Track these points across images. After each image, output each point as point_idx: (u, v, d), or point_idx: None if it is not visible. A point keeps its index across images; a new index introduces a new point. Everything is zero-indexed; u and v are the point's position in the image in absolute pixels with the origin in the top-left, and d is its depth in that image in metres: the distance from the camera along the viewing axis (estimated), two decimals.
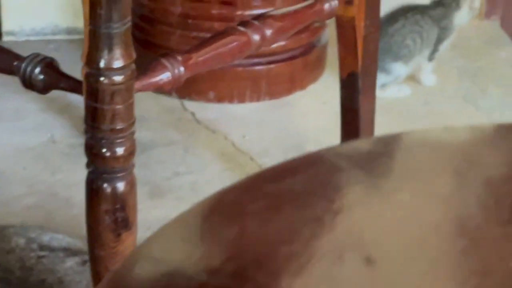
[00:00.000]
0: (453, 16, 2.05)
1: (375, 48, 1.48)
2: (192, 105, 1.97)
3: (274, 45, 1.90)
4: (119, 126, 1.08)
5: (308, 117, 1.97)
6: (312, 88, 2.06)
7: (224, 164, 1.80)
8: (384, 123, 1.94)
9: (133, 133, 1.11)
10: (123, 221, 1.12)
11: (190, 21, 1.93)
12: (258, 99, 2.00)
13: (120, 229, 1.12)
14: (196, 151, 1.84)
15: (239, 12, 1.94)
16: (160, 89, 1.15)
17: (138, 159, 1.78)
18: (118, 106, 1.07)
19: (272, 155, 1.83)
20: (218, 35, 1.23)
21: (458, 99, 2.06)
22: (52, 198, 1.69)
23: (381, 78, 1.97)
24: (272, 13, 1.31)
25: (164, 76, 1.15)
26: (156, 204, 1.68)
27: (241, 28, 1.25)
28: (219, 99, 1.98)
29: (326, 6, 1.37)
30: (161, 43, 1.97)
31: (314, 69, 2.05)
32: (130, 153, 1.11)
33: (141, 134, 1.86)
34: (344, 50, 1.46)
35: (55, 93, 1.29)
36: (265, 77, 1.98)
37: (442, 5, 2.05)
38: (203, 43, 1.21)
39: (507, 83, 2.13)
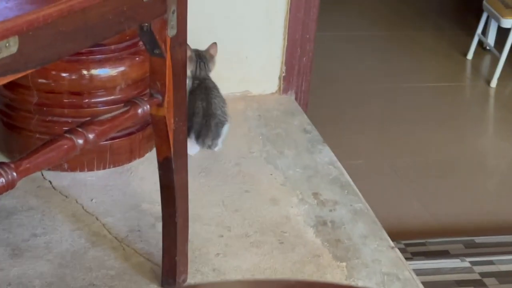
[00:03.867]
0: None
1: (184, 138, 1.46)
2: (50, 175, 1.90)
3: None
4: None
5: (145, 181, 1.93)
6: (149, 155, 2.03)
7: (74, 225, 1.73)
8: (205, 183, 1.94)
9: None
10: None
11: (45, 108, 1.87)
12: (104, 167, 1.95)
13: None
14: (52, 214, 1.76)
15: (86, 100, 1.89)
16: None
17: (1, 224, 1.72)
18: None
19: (114, 215, 1.78)
20: (48, 142, 1.19)
21: (262, 160, 2.07)
22: None
23: None
24: (94, 120, 1.27)
25: None
26: (15, 263, 1.60)
27: (68, 135, 1.21)
28: (72, 168, 1.92)
29: (140, 110, 1.34)
30: (23, 126, 1.90)
31: (149, 141, 2.02)
32: None
33: (6, 201, 1.80)
34: (159, 140, 1.44)
35: None
36: (109, 149, 1.93)
37: None
38: (34, 151, 1.16)
39: (298, 145, 2.15)
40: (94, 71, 1.86)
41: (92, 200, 1.83)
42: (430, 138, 2.84)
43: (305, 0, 2.29)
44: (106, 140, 1.92)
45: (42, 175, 1.90)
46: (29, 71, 1.07)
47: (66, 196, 1.83)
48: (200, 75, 2.05)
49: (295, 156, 2.09)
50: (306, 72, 2.39)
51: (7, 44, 1.01)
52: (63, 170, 1.91)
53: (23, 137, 1.90)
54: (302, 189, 1.94)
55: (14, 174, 1.11)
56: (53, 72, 1.83)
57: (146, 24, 1.30)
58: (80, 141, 1.22)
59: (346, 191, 1.95)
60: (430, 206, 2.42)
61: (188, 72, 2.03)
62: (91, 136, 1.24)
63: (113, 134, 1.82)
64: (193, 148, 2.04)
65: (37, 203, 1.80)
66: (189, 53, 2.02)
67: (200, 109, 2.03)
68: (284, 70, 2.37)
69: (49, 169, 1.90)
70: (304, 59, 2.37)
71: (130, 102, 1.34)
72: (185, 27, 1.38)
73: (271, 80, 2.39)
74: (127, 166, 1.97)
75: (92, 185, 1.88)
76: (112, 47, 1.86)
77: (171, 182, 1.47)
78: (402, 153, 2.72)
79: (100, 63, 1.86)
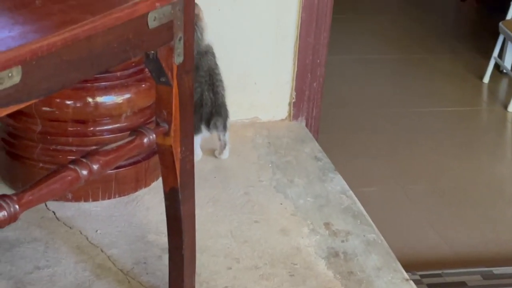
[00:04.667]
0: None
1: (191, 167, 1.46)
2: (53, 205, 1.91)
3: None
4: None
5: (151, 211, 1.93)
6: (155, 185, 2.03)
7: (78, 257, 1.73)
8: (213, 213, 1.94)
9: None
10: None
11: (49, 137, 1.88)
12: (109, 197, 1.95)
13: None
14: (55, 246, 1.77)
15: (91, 128, 1.89)
16: None
17: (4, 257, 1.73)
18: None
19: (119, 246, 1.78)
20: (52, 173, 1.19)
21: (271, 189, 2.06)
22: None
23: None
24: (99, 150, 1.27)
25: (0, 215, 1.09)
26: None
27: (72, 166, 1.22)
28: (76, 198, 1.92)
29: (145, 140, 1.34)
30: (26, 155, 1.91)
31: (156, 170, 2.02)
32: None
33: (8, 233, 1.80)
34: (165, 170, 1.44)
35: None
36: (114, 179, 1.94)
37: None
38: (37, 182, 1.16)
39: (309, 174, 2.15)
40: (100, 99, 1.87)
41: (96, 231, 1.83)
42: (446, 164, 2.83)
43: (315, 24, 2.30)
44: (111, 170, 1.93)
45: (46, 205, 1.90)
46: (32, 101, 1.08)
47: (70, 227, 1.84)
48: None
49: (306, 184, 2.09)
50: (317, 98, 2.40)
51: (9, 74, 1.01)
52: (67, 200, 1.92)
53: (27, 167, 1.91)
54: (313, 219, 1.94)
55: (17, 206, 1.11)
56: (57, 100, 1.84)
57: (152, 52, 1.32)
58: (85, 172, 1.22)
59: (358, 220, 1.94)
60: (446, 235, 2.41)
61: None
62: (95, 166, 1.24)
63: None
64: (196, 153, 2.07)
65: (41, 235, 1.80)
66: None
67: (208, 100, 2.07)
68: (294, 96, 2.38)
69: (52, 200, 1.91)
70: (315, 84, 2.38)
71: (136, 131, 1.35)
72: (192, 55, 1.39)
73: (281, 106, 2.40)
74: (133, 195, 1.98)
75: (97, 216, 1.88)
76: (118, 74, 1.88)
77: (178, 213, 1.47)
78: (416, 180, 2.72)
79: (106, 91, 1.87)
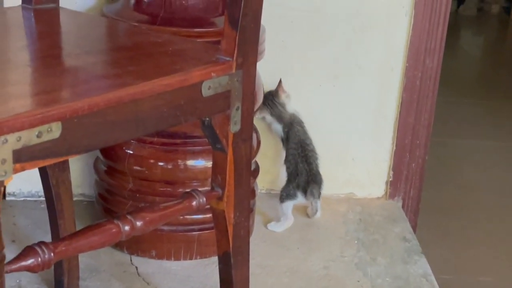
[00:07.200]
0: None
1: (246, 234, 1.46)
2: (137, 260, 1.96)
3: (206, 216, 1.93)
4: None
5: None
6: None
7: None
8: (288, 284, 1.91)
9: None
10: None
11: (138, 195, 1.94)
12: (191, 257, 1.98)
13: None
14: None
15: (180, 190, 1.94)
16: (31, 270, 1.14)
17: None
18: None
19: None
20: (93, 226, 1.23)
21: (352, 266, 2.00)
22: None
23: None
24: (145, 207, 1.31)
25: (34, 260, 1.14)
26: None
27: (115, 221, 1.25)
28: (159, 256, 1.96)
29: (194, 203, 1.36)
30: (117, 211, 1.98)
31: None
32: None
33: (90, 283, 1.86)
34: (219, 234, 1.45)
35: None
36: (197, 240, 1.96)
37: None
38: (77, 233, 1.21)
39: (394, 254, 2.07)
40: (189, 162, 1.92)
41: None
42: None
43: (416, 105, 2.25)
44: (194, 231, 1.96)
45: (131, 260, 1.96)
46: (71, 156, 1.13)
47: (148, 283, 1.87)
48: (276, 114, 2.14)
49: (387, 264, 2.01)
50: (415, 179, 2.33)
51: (49, 129, 1.07)
52: (151, 257, 1.96)
53: None
54: None
55: (52, 254, 1.15)
56: (151, 161, 1.91)
57: (207, 118, 1.34)
58: (127, 228, 1.25)
59: None
60: None
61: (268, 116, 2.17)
62: (139, 223, 1.27)
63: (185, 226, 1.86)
64: (289, 218, 2.15)
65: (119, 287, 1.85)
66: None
67: (303, 170, 2.11)
68: (391, 175, 2.32)
69: (137, 255, 1.96)
70: (413, 165, 2.31)
71: (187, 193, 1.37)
72: (251, 123, 1.40)
73: (377, 184, 2.34)
74: (214, 258, 1.98)
75: (175, 275, 1.91)
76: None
77: (230, 278, 1.47)
78: None
79: (195, 155, 1.92)
